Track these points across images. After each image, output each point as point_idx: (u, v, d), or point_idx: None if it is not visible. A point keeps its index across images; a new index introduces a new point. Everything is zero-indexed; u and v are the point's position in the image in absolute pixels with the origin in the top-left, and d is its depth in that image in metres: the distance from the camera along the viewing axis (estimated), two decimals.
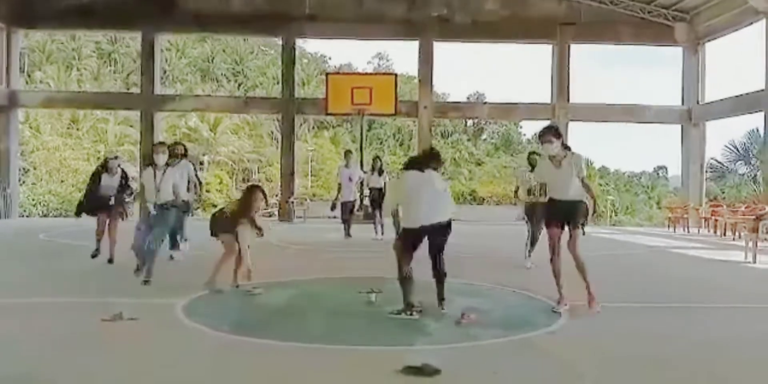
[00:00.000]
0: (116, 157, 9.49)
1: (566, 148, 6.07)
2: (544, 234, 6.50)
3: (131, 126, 30.59)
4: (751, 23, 17.50)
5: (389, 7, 19.69)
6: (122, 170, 9.14)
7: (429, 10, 19.74)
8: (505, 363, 4.33)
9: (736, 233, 14.63)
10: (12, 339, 4.74)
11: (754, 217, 11.61)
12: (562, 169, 5.97)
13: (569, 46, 20.21)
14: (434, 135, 29.31)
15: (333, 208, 13.79)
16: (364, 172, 13.95)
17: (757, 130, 18.78)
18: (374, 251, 11.26)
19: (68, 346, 4.58)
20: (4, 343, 4.62)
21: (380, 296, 6.18)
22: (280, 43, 21.57)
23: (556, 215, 6.02)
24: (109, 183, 8.90)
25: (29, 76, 35.69)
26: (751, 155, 20.40)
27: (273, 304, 6.38)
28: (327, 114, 20.10)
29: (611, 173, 47.05)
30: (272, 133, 39.41)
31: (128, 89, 35.25)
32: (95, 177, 9.01)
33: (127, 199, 9.16)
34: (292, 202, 19.78)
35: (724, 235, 15.38)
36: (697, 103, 20.08)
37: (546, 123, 22.36)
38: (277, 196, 20.66)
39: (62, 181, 29.77)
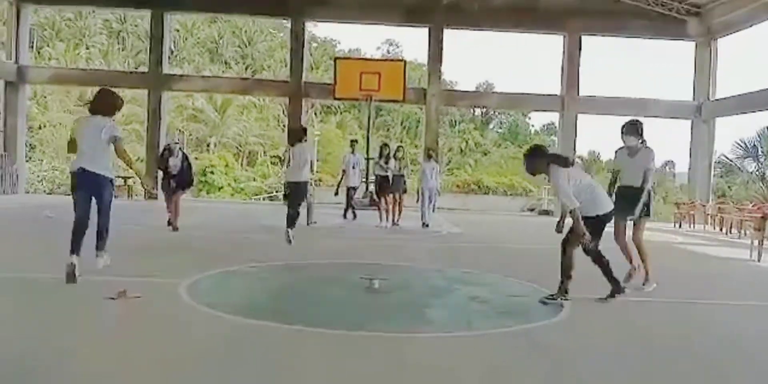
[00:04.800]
0: (177, 142, 11.22)
1: (642, 142, 6.77)
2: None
3: (139, 105, 30.53)
4: (765, 19, 17.33)
5: None
6: (183, 152, 10.88)
7: None
8: (506, 353, 4.32)
9: (742, 231, 14.58)
10: (14, 315, 4.75)
11: (760, 215, 11.56)
12: (635, 159, 6.72)
13: (580, 38, 20.07)
14: (441, 123, 29.18)
15: (337, 193, 14.01)
16: (371, 159, 14.04)
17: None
18: (378, 238, 11.29)
19: (69, 323, 4.60)
20: (6, 318, 4.63)
21: (382, 282, 6.18)
22: (289, 26, 21.47)
23: (622, 204, 6.47)
24: (174, 163, 10.65)
25: (38, 52, 35.60)
26: (760, 153, 20.28)
27: (275, 287, 6.40)
28: (335, 99, 20.04)
29: None
30: (279, 116, 39.31)
31: (136, 68, 35.15)
32: (163, 160, 10.81)
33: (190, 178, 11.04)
34: None
35: (730, 232, 15.34)
36: (708, 99, 19.95)
37: (555, 115, 22.36)
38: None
39: (68, 159, 29.71)
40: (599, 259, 5.94)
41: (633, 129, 6.77)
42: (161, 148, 11.78)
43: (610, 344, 4.66)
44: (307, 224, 11.41)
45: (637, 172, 6.66)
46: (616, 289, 5.99)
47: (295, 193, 9.38)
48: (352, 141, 15.49)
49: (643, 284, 6.72)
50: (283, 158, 9.67)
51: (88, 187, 5.97)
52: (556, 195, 5.99)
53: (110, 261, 6.20)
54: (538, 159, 5.86)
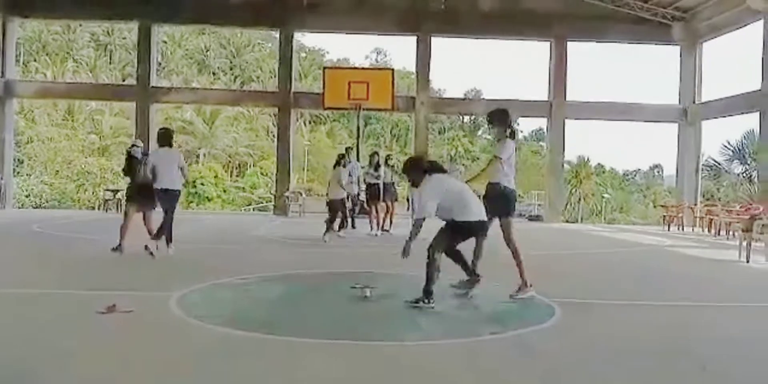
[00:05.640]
0: (136, 145, 9.74)
1: (507, 133, 6.37)
2: None
3: (127, 118, 30.47)
4: (749, 23, 17.53)
5: (388, 0, 19.64)
6: (148, 156, 9.08)
7: (427, 5, 19.70)
8: (499, 359, 4.33)
9: (731, 232, 14.67)
10: (4, 330, 4.71)
11: (748, 216, 11.64)
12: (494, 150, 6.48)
13: (566, 44, 20.21)
14: (431, 131, 29.26)
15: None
16: (361, 167, 14.08)
17: (754, 130, 18.82)
18: (369, 246, 11.28)
19: (62, 338, 4.57)
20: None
21: (375, 291, 6.17)
22: (277, 36, 21.52)
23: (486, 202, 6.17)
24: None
25: (25, 66, 35.48)
26: (746, 155, 20.46)
27: (266, 299, 6.37)
28: (324, 108, 20.06)
29: (606, 171, 47.15)
30: (268, 126, 39.30)
31: (124, 80, 35.09)
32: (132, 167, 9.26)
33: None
34: (288, 197, 19.77)
35: (719, 234, 15.43)
36: (694, 102, 20.12)
37: (543, 120, 22.42)
38: (273, 190, 20.66)
39: (57, 173, 29.67)
40: (433, 263, 5.76)
41: (492, 118, 6.49)
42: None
43: (603, 348, 4.67)
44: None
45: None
46: (425, 296, 5.67)
47: (331, 208, 11.88)
48: (346, 149, 15.35)
49: (517, 291, 6.19)
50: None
51: (170, 200, 8.61)
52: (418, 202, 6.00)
53: (174, 250, 8.64)
54: (417, 171, 6.04)
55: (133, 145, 9.71)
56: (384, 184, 13.22)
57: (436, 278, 5.74)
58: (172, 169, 8.54)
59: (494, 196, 6.24)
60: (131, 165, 9.18)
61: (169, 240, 8.67)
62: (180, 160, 8.74)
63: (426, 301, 5.67)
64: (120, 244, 8.71)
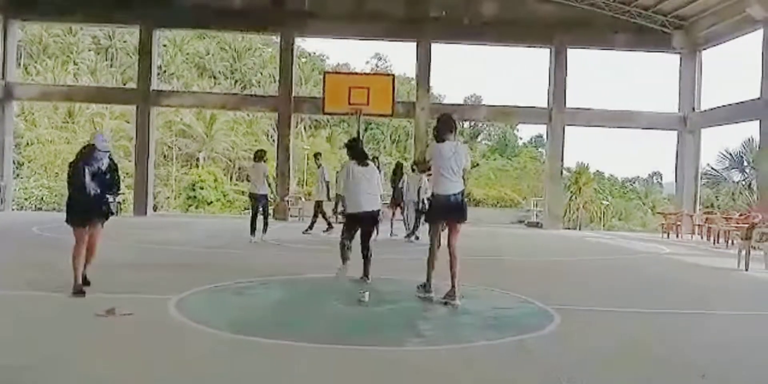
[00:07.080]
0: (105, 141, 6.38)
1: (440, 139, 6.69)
2: None
3: (127, 121, 30.45)
4: (749, 32, 17.58)
5: (388, 7, 19.69)
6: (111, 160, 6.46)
7: (428, 11, 19.75)
8: (499, 365, 4.33)
9: (729, 240, 14.68)
10: (3, 332, 4.71)
11: (747, 225, 11.65)
12: None
13: (567, 51, 20.25)
14: (431, 137, 29.30)
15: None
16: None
17: (752, 139, 18.85)
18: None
19: (61, 340, 4.57)
20: None
21: (372, 295, 6.17)
22: (278, 41, 21.54)
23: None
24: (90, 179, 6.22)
25: (25, 68, 35.49)
26: (745, 163, 20.48)
27: (264, 303, 6.38)
28: (324, 113, 20.10)
29: (606, 178, 47.17)
30: (268, 130, 39.31)
31: (125, 84, 35.10)
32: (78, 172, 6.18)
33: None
34: (287, 201, 19.76)
35: (717, 242, 15.43)
36: (693, 110, 20.14)
37: (542, 127, 22.38)
38: (272, 194, 20.62)
39: (57, 175, 29.61)
40: (341, 248, 7.33)
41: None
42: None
43: (602, 354, 4.68)
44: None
45: None
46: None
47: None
48: (315, 154, 15.67)
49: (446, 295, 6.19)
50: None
51: (259, 200, 11.83)
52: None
53: (263, 239, 11.80)
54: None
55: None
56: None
57: (346, 257, 7.32)
58: (260, 178, 11.71)
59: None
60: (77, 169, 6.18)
61: (264, 231, 11.91)
62: (267, 172, 11.96)
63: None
64: (75, 285, 6.05)
